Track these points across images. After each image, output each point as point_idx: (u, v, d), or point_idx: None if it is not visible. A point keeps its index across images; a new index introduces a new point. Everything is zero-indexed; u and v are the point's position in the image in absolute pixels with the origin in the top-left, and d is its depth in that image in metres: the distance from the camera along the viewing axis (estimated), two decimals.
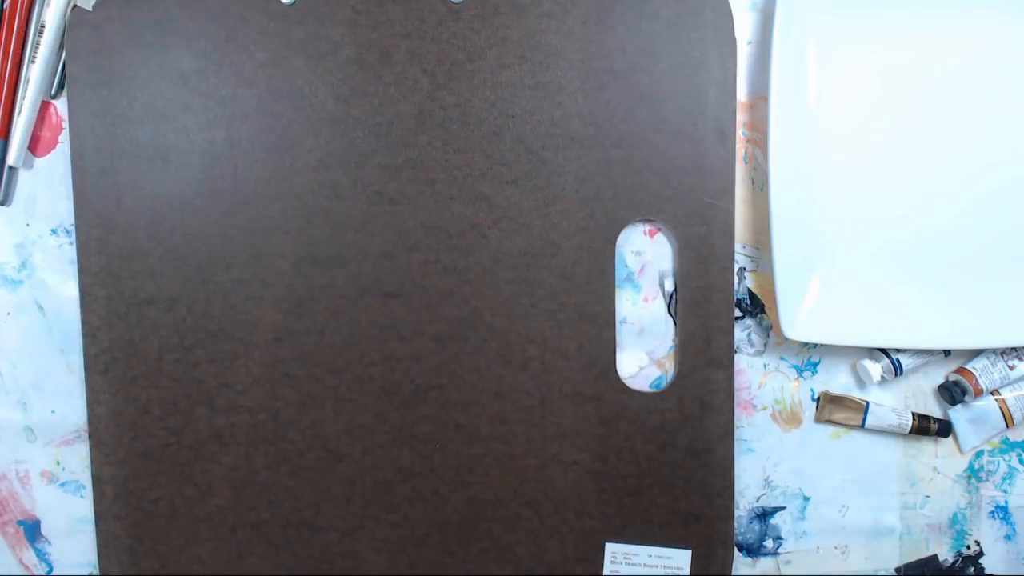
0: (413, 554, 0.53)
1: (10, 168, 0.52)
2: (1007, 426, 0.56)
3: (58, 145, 0.52)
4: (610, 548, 0.53)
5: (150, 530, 0.52)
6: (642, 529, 0.52)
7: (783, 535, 0.57)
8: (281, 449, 0.52)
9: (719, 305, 0.51)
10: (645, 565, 0.52)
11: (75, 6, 0.49)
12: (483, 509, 0.52)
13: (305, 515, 0.52)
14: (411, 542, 0.53)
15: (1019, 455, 0.57)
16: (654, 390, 0.53)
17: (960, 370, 0.55)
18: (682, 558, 0.53)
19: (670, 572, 0.53)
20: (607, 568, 0.53)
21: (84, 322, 0.51)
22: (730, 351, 0.52)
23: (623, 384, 0.52)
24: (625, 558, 0.53)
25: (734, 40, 0.50)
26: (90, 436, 0.52)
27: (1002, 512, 0.58)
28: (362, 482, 0.52)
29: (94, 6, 0.49)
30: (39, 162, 0.53)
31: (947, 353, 0.56)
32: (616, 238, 0.51)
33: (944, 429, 0.55)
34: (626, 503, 0.52)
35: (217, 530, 0.52)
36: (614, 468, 0.52)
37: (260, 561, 0.52)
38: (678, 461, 0.52)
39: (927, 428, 0.55)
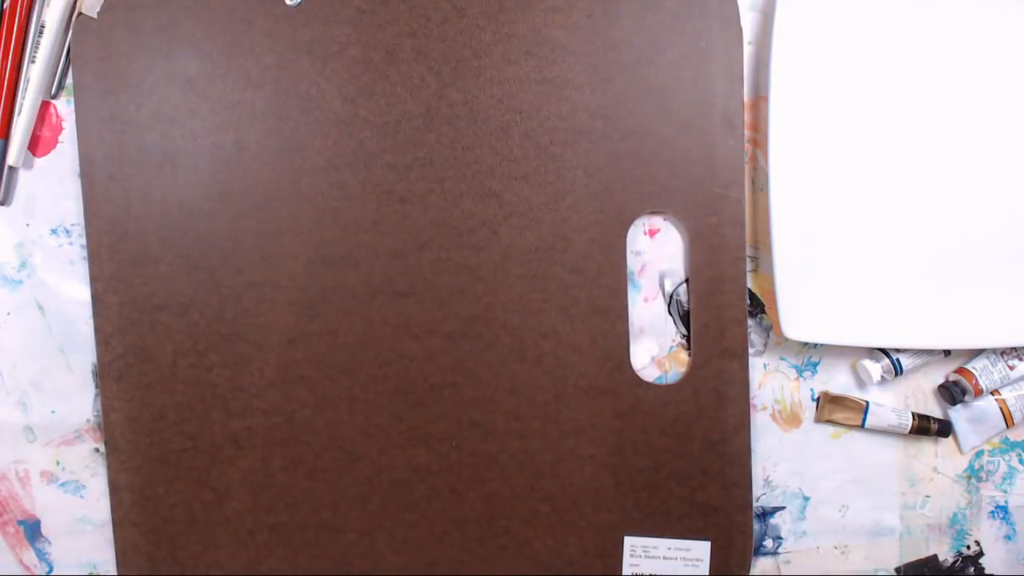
0: (432, 553, 0.56)
1: (10, 168, 0.55)
2: (1007, 426, 0.59)
3: (58, 145, 0.56)
4: (629, 541, 0.56)
5: (168, 535, 0.56)
6: (660, 522, 0.56)
7: (783, 535, 0.60)
8: (297, 451, 0.55)
9: (731, 296, 0.55)
10: (664, 558, 0.56)
11: (80, 13, 0.53)
12: (501, 506, 0.56)
13: (323, 516, 0.56)
14: (429, 541, 0.56)
15: (1019, 455, 0.61)
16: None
17: (960, 370, 0.58)
18: (701, 549, 0.56)
19: (689, 564, 0.57)
20: (627, 561, 0.57)
21: (97, 329, 0.54)
22: (744, 341, 0.55)
23: (638, 377, 0.55)
24: (644, 551, 0.56)
25: (740, 29, 0.54)
26: (105, 443, 0.55)
27: (1002, 512, 0.61)
28: (379, 482, 0.56)
29: (99, 13, 0.53)
30: (39, 162, 0.56)
31: (947, 353, 0.59)
32: (627, 231, 0.55)
33: (944, 429, 0.58)
34: (644, 496, 0.56)
35: (235, 534, 0.56)
36: (631, 461, 0.56)
37: (279, 563, 0.56)
38: (695, 453, 0.56)
39: (927, 428, 0.58)
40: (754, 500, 0.60)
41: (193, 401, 0.55)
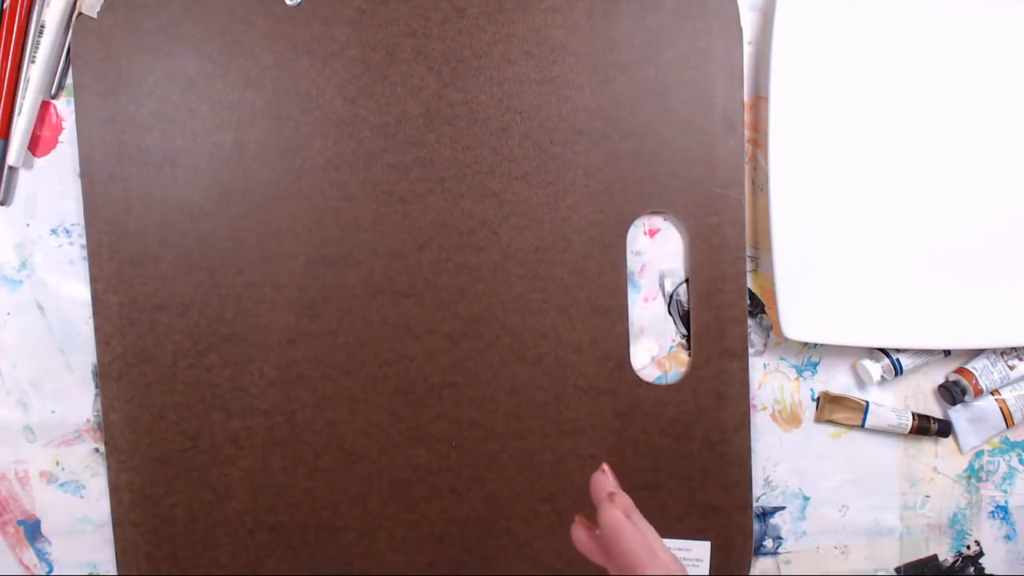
0: (432, 553, 0.57)
1: (10, 168, 0.56)
2: (1007, 426, 0.60)
3: (58, 145, 0.56)
4: None
5: (168, 535, 0.56)
6: (660, 522, 0.57)
7: (783, 535, 0.61)
8: (297, 451, 0.56)
9: (732, 295, 0.56)
10: None
11: (80, 13, 0.53)
12: (500, 506, 0.57)
13: (323, 516, 0.56)
14: (429, 541, 0.57)
15: (1019, 455, 0.61)
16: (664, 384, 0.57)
17: (960, 370, 0.59)
18: (701, 549, 0.57)
19: (689, 564, 0.57)
20: None
21: (97, 329, 0.55)
22: (744, 341, 0.56)
23: (638, 377, 0.56)
24: None
25: (740, 29, 0.54)
26: (106, 443, 0.56)
27: (1002, 512, 0.62)
28: (379, 482, 0.56)
29: (99, 13, 0.53)
30: (39, 162, 0.56)
31: (947, 353, 0.59)
32: (627, 231, 0.55)
33: (944, 429, 0.59)
34: (644, 496, 0.56)
35: (235, 534, 0.56)
36: (631, 461, 0.56)
37: (279, 563, 0.57)
38: (695, 453, 0.56)
39: (927, 428, 0.59)
40: (754, 500, 0.60)
41: (193, 401, 0.56)
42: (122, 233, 0.55)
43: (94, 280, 0.55)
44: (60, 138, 0.57)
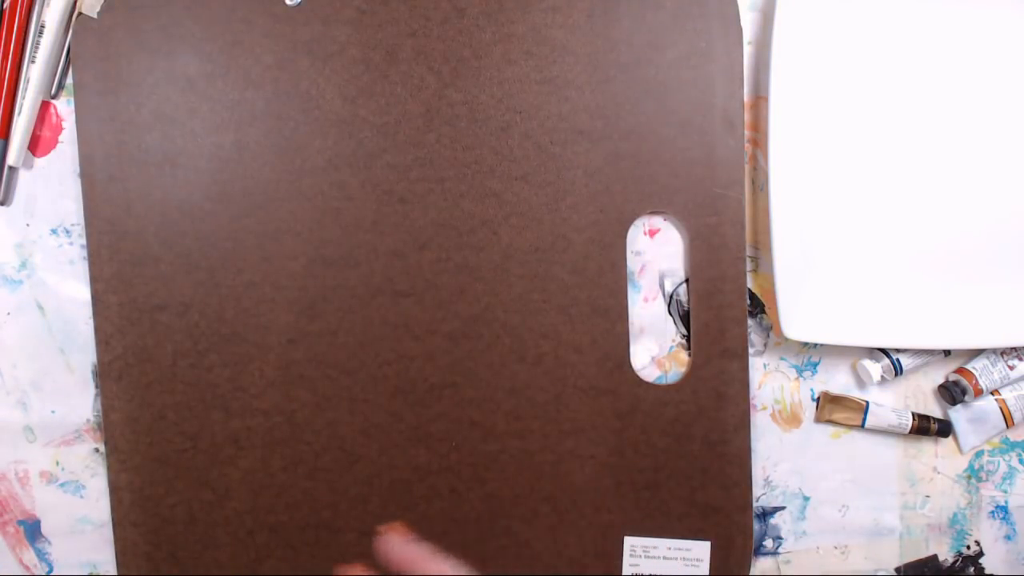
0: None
1: (10, 168, 0.56)
2: (1007, 426, 0.59)
3: (58, 145, 0.56)
4: (629, 542, 0.57)
5: (168, 535, 0.56)
6: (661, 522, 0.57)
7: (783, 535, 0.61)
8: (297, 451, 0.56)
9: (731, 295, 0.56)
10: (664, 558, 0.57)
11: (80, 13, 0.53)
12: (501, 506, 0.57)
13: (323, 516, 0.57)
14: (429, 541, 0.57)
15: (1019, 455, 0.61)
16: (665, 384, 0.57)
17: (960, 370, 0.59)
18: (701, 549, 0.57)
19: (689, 564, 0.57)
20: (627, 561, 0.57)
21: (97, 329, 0.55)
22: (744, 341, 0.56)
23: (638, 377, 0.56)
24: (644, 551, 0.57)
25: (740, 29, 0.54)
26: (105, 443, 0.56)
27: (1002, 512, 0.61)
28: (379, 482, 0.56)
29: (99, 13, 0.53)
30: (39, 162, 0.56)
31: (947, 353, 0.59)
32: (627, 231, 0.55)
33: (944, 429, 0.59)
34: (644, 496, 0.57)
35: (235, 534, 0.56)
36: (631, 461, 0.56)
37: (279, 563, 0.57)
38: (695, 453, 0.56)
39: (927, 428, 0.59)
40: (754, 500, 0.60)
41: (193, 401, 0.56)
42: (122, 233, 0.55)
43: (94, 280, 0.55)
44: (60, 138, 0.57)
